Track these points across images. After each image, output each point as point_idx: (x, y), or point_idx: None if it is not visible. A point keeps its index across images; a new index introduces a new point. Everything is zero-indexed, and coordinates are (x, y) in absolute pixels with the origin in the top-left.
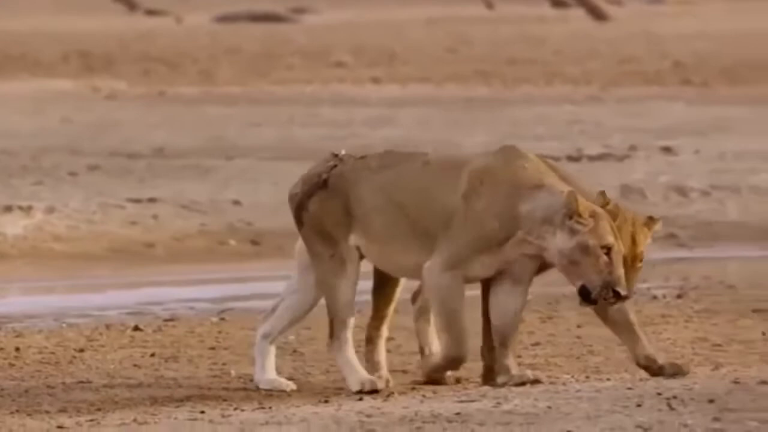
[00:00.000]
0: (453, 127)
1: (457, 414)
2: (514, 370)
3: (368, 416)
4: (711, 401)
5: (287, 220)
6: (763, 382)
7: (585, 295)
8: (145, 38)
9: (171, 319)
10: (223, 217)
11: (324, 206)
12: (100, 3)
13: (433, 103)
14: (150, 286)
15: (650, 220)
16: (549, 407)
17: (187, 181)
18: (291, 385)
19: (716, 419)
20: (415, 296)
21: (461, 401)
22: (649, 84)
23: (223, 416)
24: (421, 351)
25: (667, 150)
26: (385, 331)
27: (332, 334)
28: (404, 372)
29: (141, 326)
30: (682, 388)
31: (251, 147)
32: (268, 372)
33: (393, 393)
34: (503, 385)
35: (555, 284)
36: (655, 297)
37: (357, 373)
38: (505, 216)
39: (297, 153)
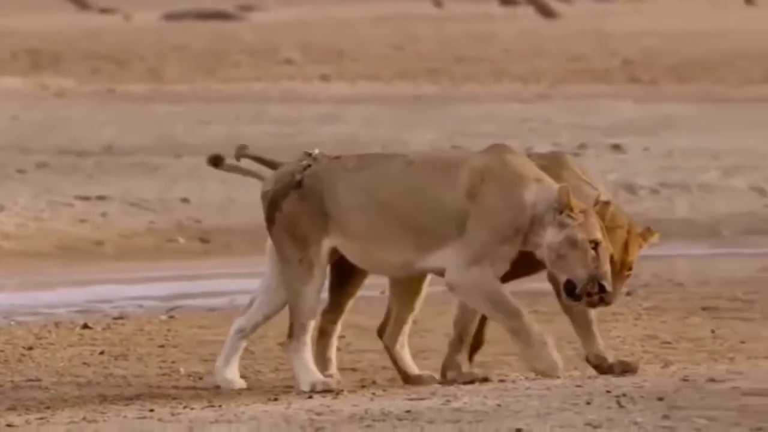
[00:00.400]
0: (401, 125)
1: (407, 412)
2: (465, 367)
3: (318, 414)
4: (660, 399)
5: (236, 217)
6: (712, 380)
7: (570, 291)
8: (93, 36)
9: (120, 317)
10: (171, 215)
11: (298, 207)
12: (49, 1)
13: (381, 100)
14: (99, 284)
15: (647, 231)
16: (499, 405)
17: (135, 179)
18: (242, 385)
19: (665, 417)
20: (382, 328)
21: (411, 399)
22: (597, 82)
23: (172, 414)
24: (404, 376)
25: (616, 148)
26: (339, 327)
27: (291, 335)
28: (353, 370)
29: (90, 324)
30: (632, 385)
31: (199, 145)
32: (229, 368)
33: (343, 391)
34: (452, 381)
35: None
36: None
37: (310, 375)
38: (516, 206)
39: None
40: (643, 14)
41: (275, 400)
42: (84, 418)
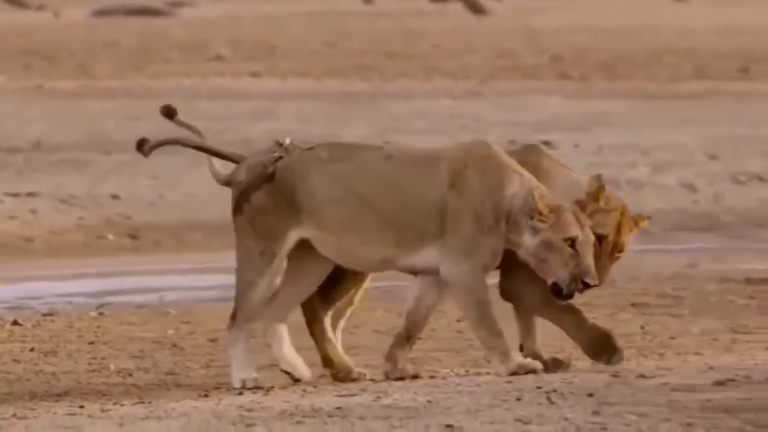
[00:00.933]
0: (332, 121)
1: (338, 408)
2: (401, 363)
3: (249, 411)
4: (590, 395)
5: (165, 214)
6: (642, 376)
7: (557, 292)
8: (23, 33)
9: (50, 314)
10: (101, 211)
11: (270, 199)
12: None
13: (313, 97)
14: (29, 281)
15: (639, 217)
16: (429, 401)
17: (65, 176)
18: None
19: (596, 413)
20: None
21: (341, 396)
22: (527, 78)
23: (102, 411)
24: (327, 361)
25: (546, 144)
26: (342, 324)
27: (233, 324)
28: None
29: (20, 321)
30: (562, 381)
31: (129, 141)
32: (290, 354)
33: (273, 387)
34: (386, 375)
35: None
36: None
37: (242, 370)
38: (497, 194)
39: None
40: (572, 10)
41: (206, 396)
42: (14, 415)
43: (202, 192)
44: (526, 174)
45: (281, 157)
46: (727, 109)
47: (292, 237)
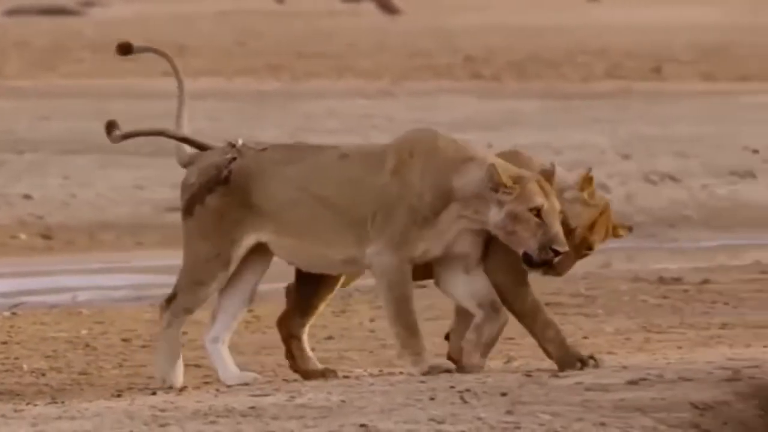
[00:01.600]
0: (244, 121)
1: (252, 408)
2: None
3: (162, 410)
4: (504, 394)
5: (78, 213)
6: (555, 376)
7: (528, 262)
8: None
9: None
10: (13, 210)
11: (224, 202)
12: None
13: (224, 96)
14: None
15: (621, 224)
16: (343, 401)
17: None
18: (257, 377)
19: (509, 412)
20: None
21: (255, 395)
22: (439, 78)
23: (15, 411)
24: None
25: None
26: (306, 329)
27: (167, 309)
28: (197, 366)
29: None
30: (475, 381)
31: (41, 141)
32: (231, 368)
33: (186, 387)
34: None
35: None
36: None
37: (164, 366)
38: (439, 187)
39: (86, 147)
40: (485, 10)
41: (119, 396)
42: None
43: (113, 191)
44: (480, 154)
45: (235, 159)
46: (640, 109)
47: (248, 241)
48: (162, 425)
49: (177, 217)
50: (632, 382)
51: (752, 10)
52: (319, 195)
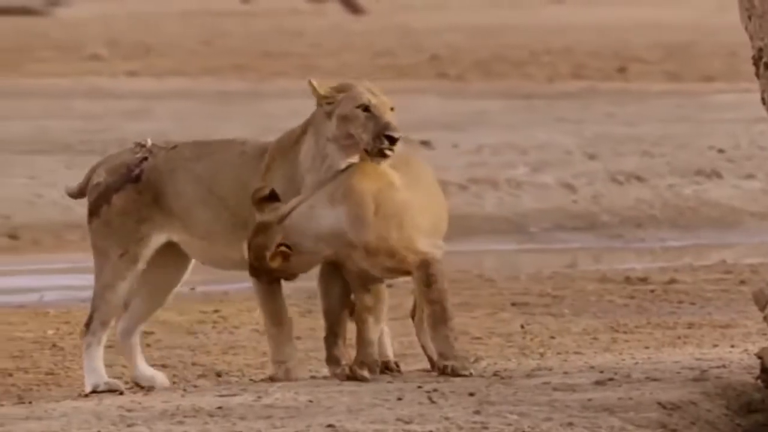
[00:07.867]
0: (209, 120)
1: (219, 408)
2: (345, 360)
3: (129, 411)
4: (471, 394)
5: (44, 213)
6: (523, 376)
7: (369, 153)
8: None
9: None
10: None
11: (132, 200)
12: None
13: (189, 96)
14: None
15: None
16: (310, 401)
17: None
18: (166, 380)
19: (477, 412)
20: (414, 311)
21: (222, 395)
22: (404, 77)
23: None
24: (430, 361)
25: (424, 144)
26: None
27: (88, 330)
28: (164, 366)
29: None
30: (443, 381)
31: (5, 140)
32: (144, 367)
33: (153, 387)
34: (336, 376)
35: (313, 278)
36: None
37: (94, 376)
38: (294, 177)
39: (52, 146)
40: (450, 10)
41: (86, 396)
42: None
43: None
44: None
45: (146, 158)
46: (605, 109)
47: (157, 240)
48: (129, 425)
49: None
50: (599, 382)
51: (717, 9)
52: (218, 194)
